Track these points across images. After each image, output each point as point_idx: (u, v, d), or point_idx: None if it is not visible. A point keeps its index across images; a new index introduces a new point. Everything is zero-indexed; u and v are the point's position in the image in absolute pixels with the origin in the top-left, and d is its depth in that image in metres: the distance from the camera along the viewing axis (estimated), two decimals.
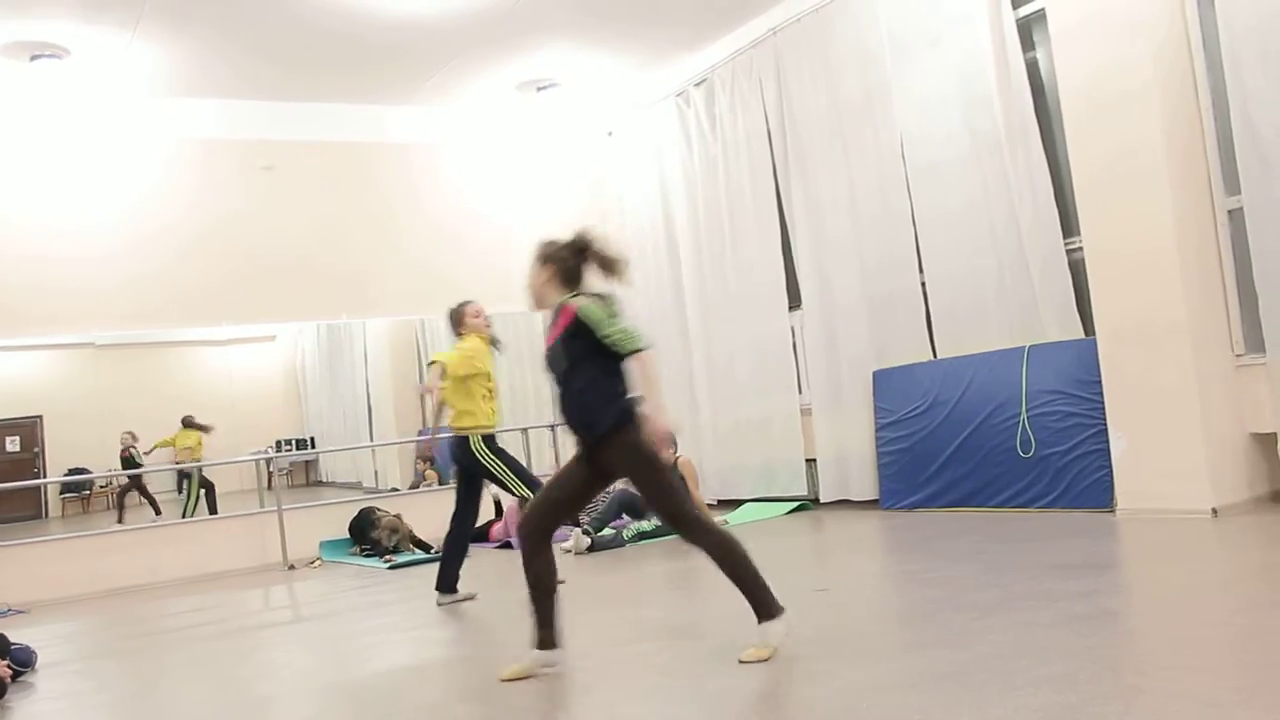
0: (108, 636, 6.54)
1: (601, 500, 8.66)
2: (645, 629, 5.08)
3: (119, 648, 6.20)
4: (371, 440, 13.61)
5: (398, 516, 9.06)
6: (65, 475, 12.21)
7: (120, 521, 11.29)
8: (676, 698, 3.72)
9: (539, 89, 10.27)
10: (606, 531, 8.21)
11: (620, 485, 9.11)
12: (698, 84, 9.97)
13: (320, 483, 14.76)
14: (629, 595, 6.28)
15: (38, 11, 7.55)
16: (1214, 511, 6.01)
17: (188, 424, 11.90)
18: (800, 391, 9.14)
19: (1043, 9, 6.99)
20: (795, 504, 8.99)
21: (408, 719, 3.91)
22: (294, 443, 13.92)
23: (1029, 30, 7.41)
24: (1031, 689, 3.15)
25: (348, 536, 9.39)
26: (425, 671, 4.74)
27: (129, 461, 11.77)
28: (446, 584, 6.42)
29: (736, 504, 9.56)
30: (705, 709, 3.49)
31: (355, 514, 9.40)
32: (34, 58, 8.15)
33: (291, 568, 9.03)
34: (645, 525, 8.29)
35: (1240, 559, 5.17)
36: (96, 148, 9.46)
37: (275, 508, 9.46)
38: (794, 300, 9.11)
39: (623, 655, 4.54)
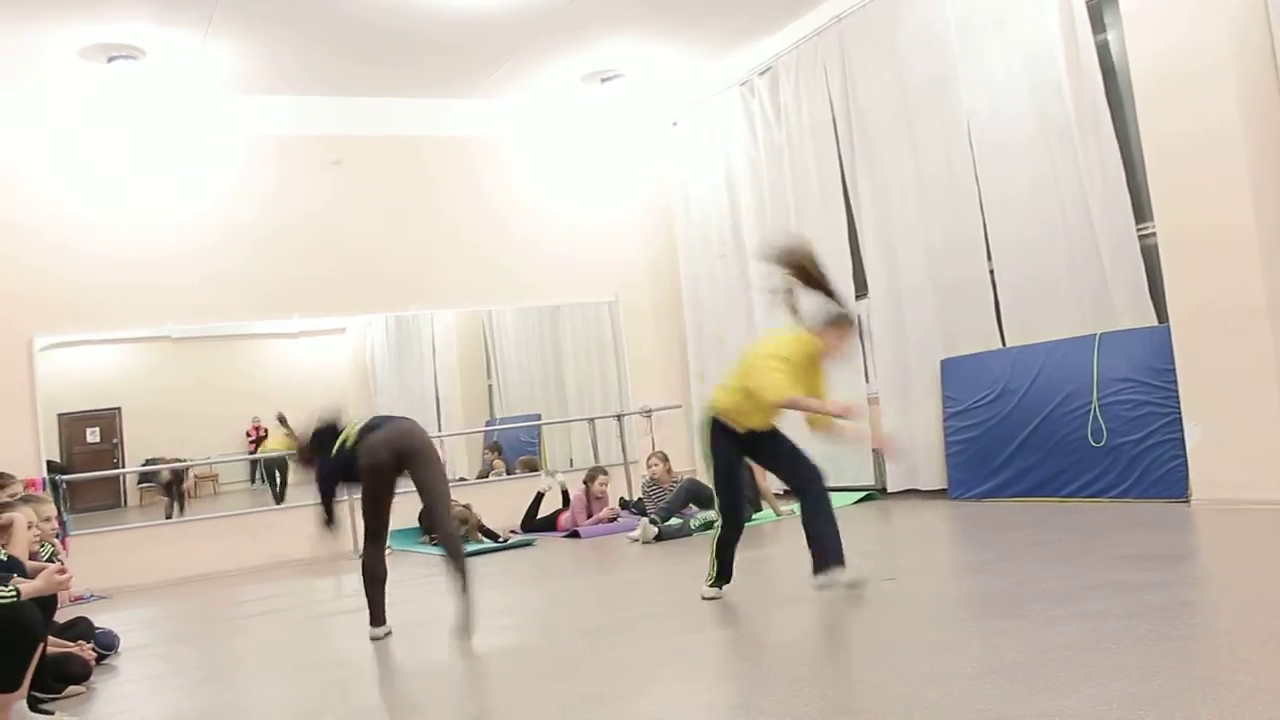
0: (187, 622, 6.71)
1: (670, 490, 8.69)
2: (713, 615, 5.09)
3: (197, 633, 6.36)
4: (440, 430, 13.71)
5: (467, 507, 9.15)
6: (144, 465, 12.47)
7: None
8: (740, 681, 3.73)
9: (603, 80, 10.30)
10: (674, 521, 8.22)
11: (688, 476, 9.17)
12: (762, 73, 9.93)
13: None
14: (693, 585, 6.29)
15: (113, 14, 7.74)
16: None
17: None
18: (867, 380, 9.08)
19: None
20: (863, 493, 8.94)
21: (465, 704, 3.96)
22: None
23: (1100, 12, 7.27)
24: (1104, 680, 3.11)
25: (417, 525, 9.50)
26: (486, 659, 4.79)
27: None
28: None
29: None
30: (774, 693, 3.49)
31: (424, 504, 9.49)
32: (111, 59, 8.36)
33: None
34: (712, 515, 8.27)
35: None
36: (172, 146, 9.69)
37: (344, 497, 9.59)
38: (860, 288, 9.05)
39: (688, 644, 4.57)
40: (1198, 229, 6.26)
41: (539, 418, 12.36)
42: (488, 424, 12.68)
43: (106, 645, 5.57)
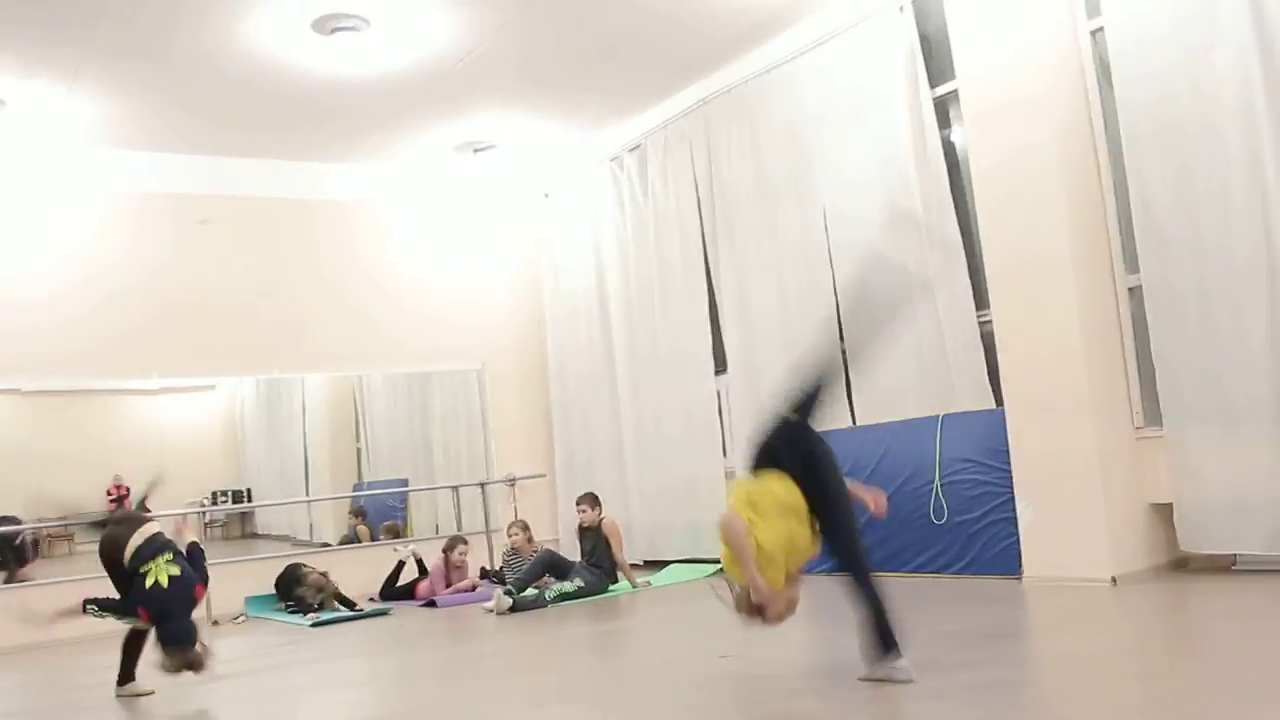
0: (19, 696, 6.47)
1: (521, 561, 8.73)
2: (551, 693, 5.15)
3: (34, 707, 6.14)
4: (307, 493, 13.50)
5: (324, 574, 9.05)
6: None
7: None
8: None
9: (476, 150, 10.44)
10: (529, 592, 8.25)
11: (546, 546, 9.22)
12: (631, 150, 10.19)
13: (255, 534, 14.59)
14: (542, 658, 6.34)
15: None
16: (1114, 580, 6.20)
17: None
18: (725, 454, 9.28)
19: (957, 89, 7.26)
20: (719, 566, 9.07)
21: None
22: (230, 494, 13.81)
23: (946, 108, 7.67)
24: None
25: (274, 592, 9.36)
26: None
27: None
28: None
29: (662, 565, 9.66)
30: None
31: (282, 570, 9.37)
32: None
33: (215, 623, 8.97)
34: (568, 586, 8.35)
35: (1131, 627, 5.35)
36: (30, 196, 9.48)
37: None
38: (720, 365, 9.28)
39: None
40: (1029, 322, 6.64)
41: (406, 482, 12.29)
42: (355, 488, 12.56)
43: None
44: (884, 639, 4.33)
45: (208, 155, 9.93)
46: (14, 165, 9.38)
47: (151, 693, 5.96)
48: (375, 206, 10.96)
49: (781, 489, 4.44)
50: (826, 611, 6.81)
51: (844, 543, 4.49)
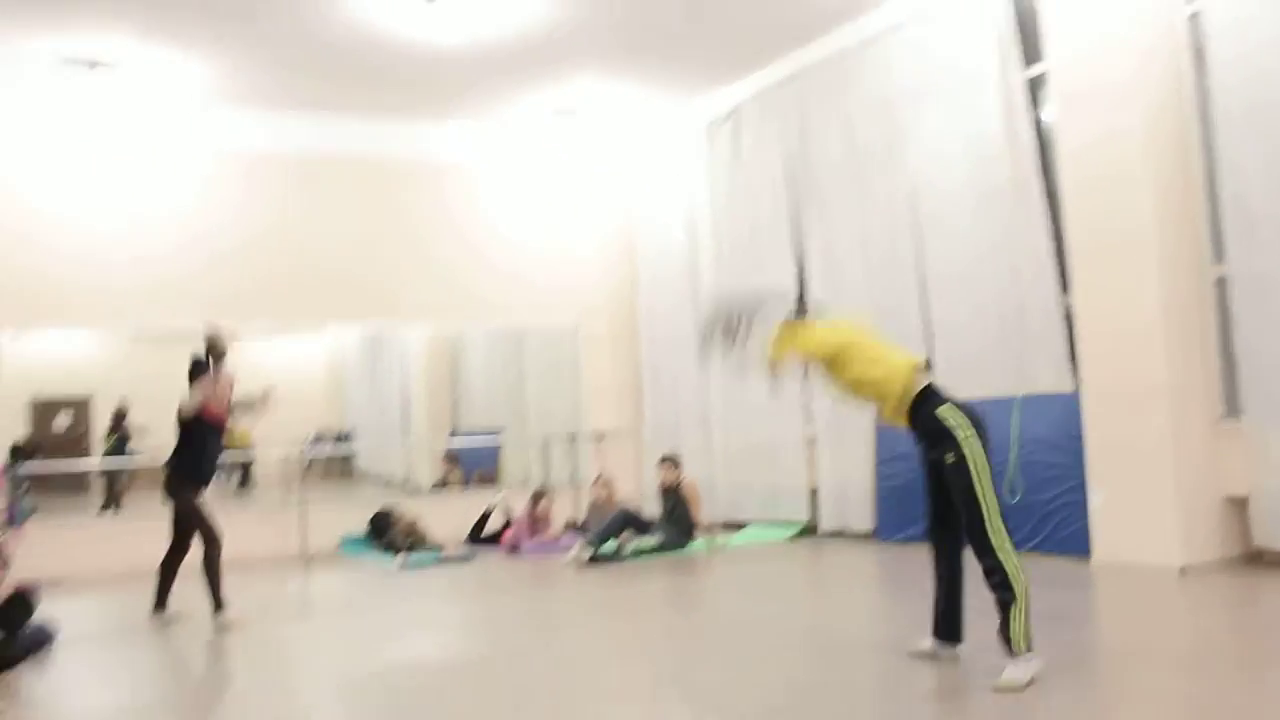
0: (125, 616, 6.95)
1: (607, 515, 8.99)
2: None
3: (131, 628, 6.60)
4: (405, 440, 13.94)
5: (415, 519, 9.44)
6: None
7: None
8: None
9: (573, 114, 10.62)
10: (609, 545, 8.52)
11: (628, 503, 9.46)
12: (725, 118, 10.27)
13: (356, 475, 15.16)
14: (615, 610, 6.60)
15: (93, 27, 8.02)
16: (1182, 570, 6.21)
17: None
18: (806, 421, 9.41)
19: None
20: (796, 529, 9.27)
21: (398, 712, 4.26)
22: (333, 435, 14.36)
23: (1037, 88, 7.61)
24: None
25: (367, 533, 9.80)
26: (426, 670, 5.08)
27: None
28: None
29: (741, 526, 9.86)
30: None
31: (376, 512, 9.80)
32: (91, 67, 8.64)
33: (311, 560, 9.46)
34: (646, 542, 8.61)
35: (1192, 619, 5.39)
36: (145, 154, 9.99)
37: (299, 502, 9.91)
38: None
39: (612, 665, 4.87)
40: (1110, 307, 6.63)
41: (500, 433, 12.67)
42: (450, 435, 12.98)
43: (42, 638, 5.82)
44: (953, 628, 4.50)
45: (313, 115, 10.31)
46: (129, 126, 9.89)
47: (183, 618, 6.62)
48: (473, 168, 11.25)
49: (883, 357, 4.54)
50: (876, 581, 7.00)
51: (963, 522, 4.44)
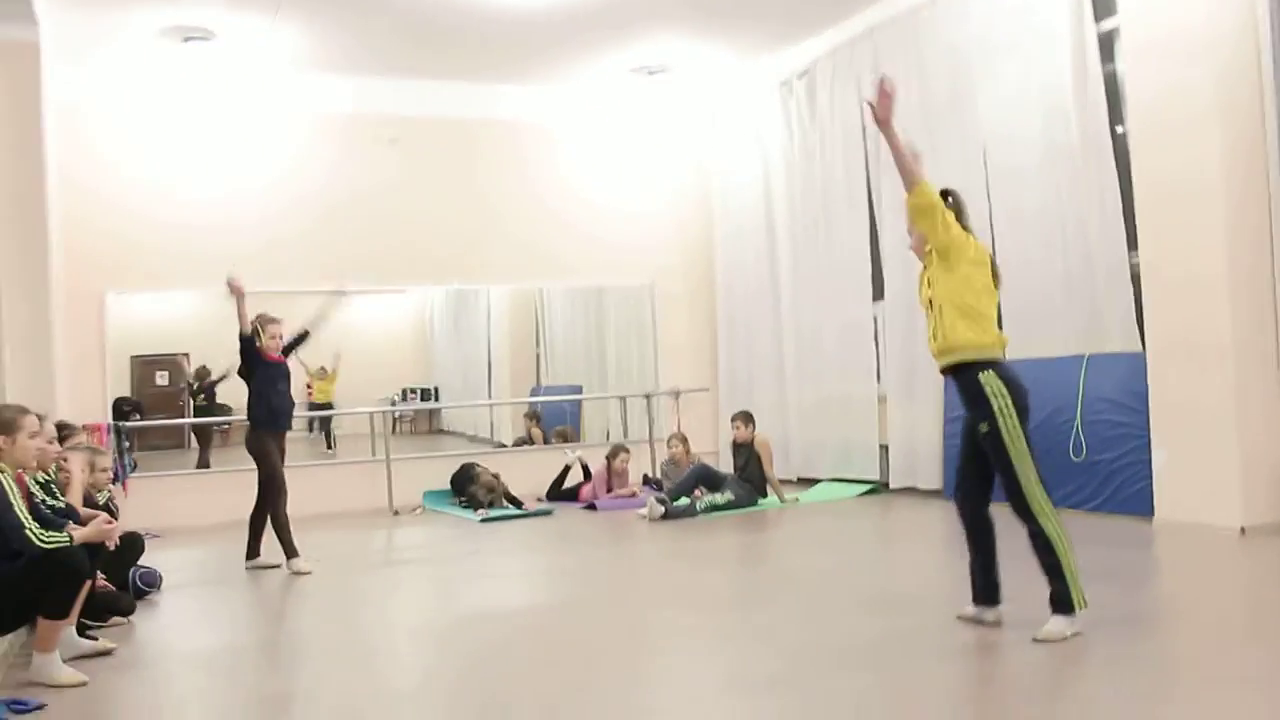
0: (224, 565, 7.39)
1: (678, 472, 9.23)
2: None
3: (231, 576, 7.04)
4: (490, 395, 14.32)
5: (496, 475, 9.77)
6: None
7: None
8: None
9: (649, 74, 10.76)
10: (682, 501, 8.76)
11: (702, 459, 9.68)
12: (800, 75, 10.32)
13: (441, 431, 15.61)
14: (686, 563, 6.85)
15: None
16: (1242, 530, 6.26)
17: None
18: (879, 379, 9.52)
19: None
20: (867, 487, 9.41)
21: (466, 659, 4.57)
22: (419, 392, 14.81)
23: (1110, 42, 7.56)
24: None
25: (449, 488, 10.17)
26: (503, 616, 5.38)
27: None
28: None
29: (814, 482, 10.03)
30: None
31: (458, 468, 10.16)
32: (186, 40, 9.02)
33: (396, 513, 9.87)
34: (719, 498, 8.83)
35: (1245, 579, 5.45)
36: (239, 122, 10.40)
37: (385, 457, 10.32)
38: (878, 291, 9.47)
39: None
40: (1176, 264, 6.62)
41: (580, 390, 12.97)
42: (532, 391, 13.32)
43: (149, 583, 6.27)
44: (990, 590, 4.55)
45: (397, 78, 10.58)
46: (227, 93, 10.28)
47: (277, 566, 6.99)
48: (551, 127, 11.47)
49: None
50: (943, 537, 7.13)
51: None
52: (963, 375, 4.48)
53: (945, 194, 4.62)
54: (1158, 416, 6.80)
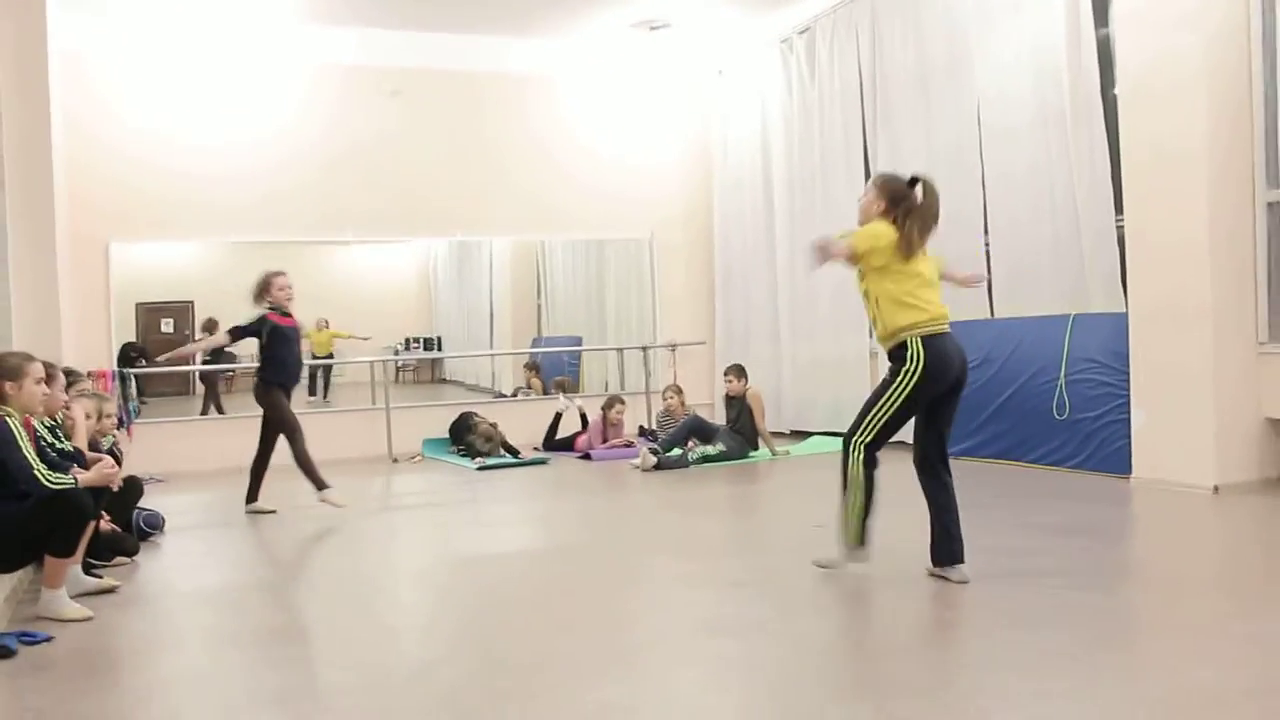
0: (231, 508, 7.59)
1: (673, 424, 9.40)
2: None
3: (232, 519, 7.25)
4: (491, 346, 14.48)
5: (494, 424, 9.95)
6: (211, 359, 13.45)
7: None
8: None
9: (652, 28, 10.81)
10: (674, 452, 8.95)
11: (697, 411, 9.85)
12: (801, 32, 10.38)
13: (444, 380, 15.79)
14: (675, 513, 7.04)
15: None
16: (1215, 489, 6.42)
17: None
18: (870, 335, 9.65)
19: None
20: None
21: (461, 599, 4.77)
22: (422, 341, 14.98)
23: (1105, 5, 7.61)
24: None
25: (448, 437, 10.36)
26: (496, 560, 5.58)
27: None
28: None
29: (805, 435, 10.21)
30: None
31: (456, 417, 10.34)
32: None
33: (395, 461, 10.08)
34: (710, 450, 9.01)
35: (1211, 535, 5.63)
36: (243, 73, 10.51)
37: (385, 405, 10.51)
38: None
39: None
40: (1159, 228, 6.74)
41: (580, 341, 13.14)
42: (534, 342, 13.48)
43: (152, 525, 6.47)
44: (953, 550, 4.66)
45: (403, 30, 10.64)
46: (230, 45, 10.37)
47: (274, 511, 7.25)
48: (554, 81, 11.55)
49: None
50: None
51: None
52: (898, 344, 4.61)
53: (913, 181, 4.82)
54: (1138, 377, 6.95)
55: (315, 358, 12.91)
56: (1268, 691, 3.06)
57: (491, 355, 13.84)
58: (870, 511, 4.65)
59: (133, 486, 6.21)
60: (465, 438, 9.96)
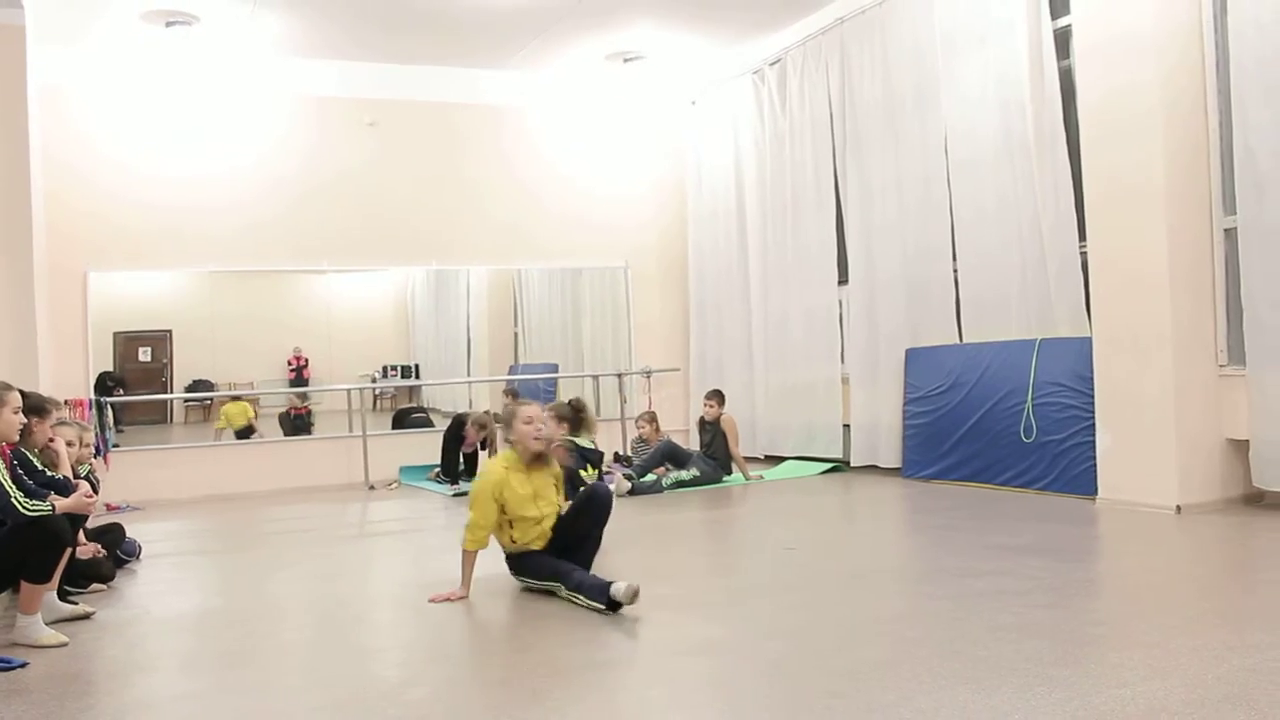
0: (209, 535, 7.65)
1: (648, 450, 9.49)
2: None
3: (216, 546, 7.30)
4: (469, 373, 14.54)
5: (490, 413, 9.87)
6: (190, 388, 13.47)
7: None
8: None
9: (625, 60, 10.98)
10: (648, 478, 9.03)
11: (671, 437, 9.95)
12: (772, 64, 10.56)
13: (421, 408, 15.84)
14: (648, 537, 7.12)
15: None
16: (1178, 509, 6.55)
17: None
18: (842, 361, 9.80)
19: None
20: (830, 465, 9.70)
21: (433, 621, 4.83)
22: (399, 369, 15.02)
23: (1067, 38, 7.80)
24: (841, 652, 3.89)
25: (425, 463, 10.38)
26: (446, 585, 5.64)
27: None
28: None
29: (779, 460, 10.32)
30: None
31: (451, 422, 10.22)
32: (169, 24, 9.20)
33: (371, 488, 10.13)
34: (684, 475, 9.11)
35: (1167, 554, 5.74)
36: (221, 105, 10.61)
37: (362, 433, 10.56)
38: (843, 275, 9.73)
39: None
40: (1121, 256, 6.90)
41: (556, 368, 13.22)
42: (511, 369, 13.56)
43: (128, 552, 6.51)
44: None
45: (377, 62, 10.79)
46: (209, 77, 10.48)
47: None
48: (529, 112, 11.70)
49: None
50: (896, 515, 7.41)
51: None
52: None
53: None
54: (1102, 400, 7.09)
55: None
56: (1205, 703, 3.17)
57: (469, 382, 13.89)
58: None
59: (117, 527, 6.30)
60: (461, 431, 9.76)
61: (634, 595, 4.62)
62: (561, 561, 5.12)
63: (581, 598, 4.82)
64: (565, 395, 13.06)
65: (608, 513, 5.46)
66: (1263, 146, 6.41)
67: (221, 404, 12.16)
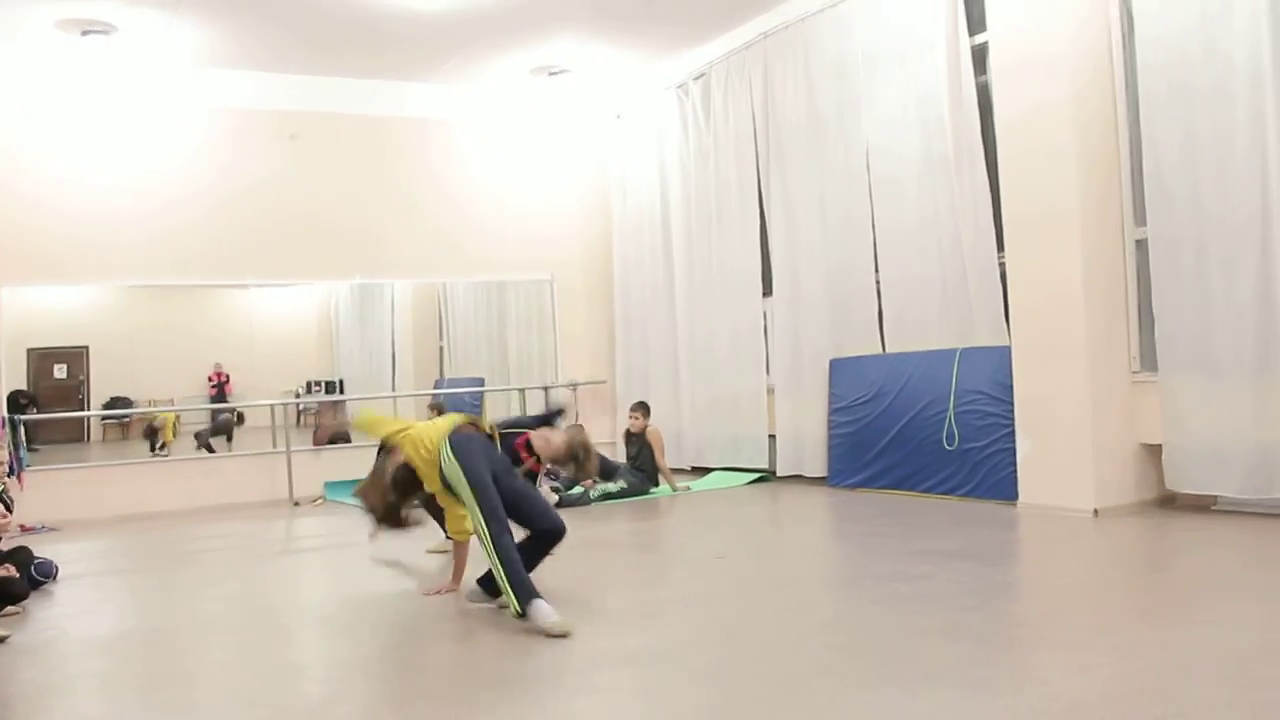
0: (128, 555, 7.48)
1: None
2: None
3: (135, 566, 7.15)
4: (393, 388, 14.42)
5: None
6: (108, 405, 13.19)
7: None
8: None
9: (551, 74, 11.00)
10: (575, 490, 9.02)
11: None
12: (696, 78, 10.64)
13: (346, 423, 15.65)
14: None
15: None
16: (1095, 512, 6.72)
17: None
18: (767, 373, 9.89)
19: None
20: (756, 475, 9.77)
21: (357, 638, 4.78)
22: (324, 384, 14.84)
23: (984, 54, 7.96)
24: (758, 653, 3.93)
25: (351, 479, 10.25)
26: (395, 598, 5.59)
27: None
28: None
29: (705, 471, 10.37)
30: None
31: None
32: (84, 33, 9.02)
33: (296, 504, 9.99)
34: (612, 487, 9.12)
35: (1089, 557, 5.89)
36: (138, 115, 10.39)
37: (286, 449, 10.41)
38: (767, 288, 9.82)
39: None
40: (1036, 268, 7.08)
41: (483, 382, 13.16)
42: (436, 384, 13.47)
43: (44, 573, 6.34)
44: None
45: (300, 75, 10.68)
46: (126, 86, 10.28)
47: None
48: (454, 125, 11.65)
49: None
50: (820, 522, 7.49)
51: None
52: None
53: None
54: (1021, 407, 7.25)
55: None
56: (1123, 697, 3.26)
57: (394, 397, 13.77)
58: None
59: (23, 549, 6.15)
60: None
61: (562, 633, 4.46)
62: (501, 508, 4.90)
63: (504, 576, 4.68)
64: (492, 408, 13.02)
65: (558, 543, 5.30)
66: (1168, 159, 6.61)
67: (148, 420, 11.96)
